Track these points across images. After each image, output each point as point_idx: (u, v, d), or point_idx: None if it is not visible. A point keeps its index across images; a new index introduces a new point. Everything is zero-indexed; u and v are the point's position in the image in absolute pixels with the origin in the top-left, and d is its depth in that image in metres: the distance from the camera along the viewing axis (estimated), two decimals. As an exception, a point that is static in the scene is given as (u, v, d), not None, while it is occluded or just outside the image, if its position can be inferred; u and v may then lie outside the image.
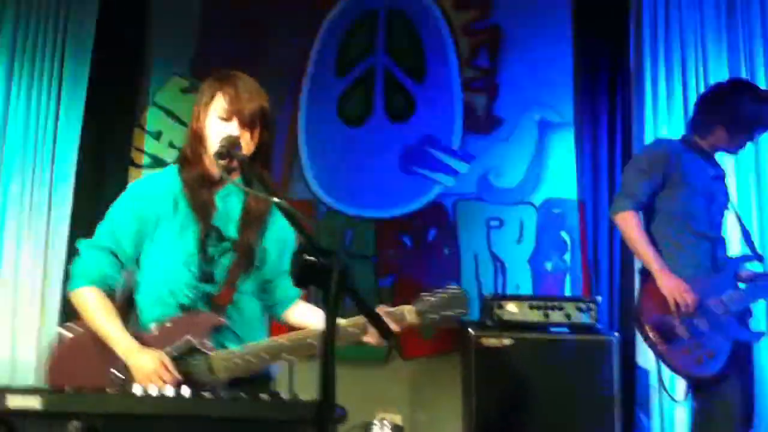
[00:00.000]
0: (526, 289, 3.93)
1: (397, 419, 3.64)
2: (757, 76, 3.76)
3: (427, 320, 1.92)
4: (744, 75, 3.77)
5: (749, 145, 3.11)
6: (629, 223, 2.90)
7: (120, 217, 1.97)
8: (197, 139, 1.95)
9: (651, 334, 2.78)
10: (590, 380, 3.25)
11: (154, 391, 1.42)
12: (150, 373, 1.79)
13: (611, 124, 3.88)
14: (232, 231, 1.96)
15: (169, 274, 1.93)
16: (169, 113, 4.22)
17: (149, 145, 4.19)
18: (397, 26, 4.23)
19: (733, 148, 3.03)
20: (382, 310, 1.88)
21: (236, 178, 1.93)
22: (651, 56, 3.87)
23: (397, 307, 1.93)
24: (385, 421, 3.49)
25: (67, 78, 4.08)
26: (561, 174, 4.02)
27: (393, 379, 3.85)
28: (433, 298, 1.93)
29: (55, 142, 4.02)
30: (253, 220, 1.95)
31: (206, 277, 1.92)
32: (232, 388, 1.76)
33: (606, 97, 3.92)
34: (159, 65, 4.24)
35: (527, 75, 4.08)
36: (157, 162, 4.17)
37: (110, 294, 1.94)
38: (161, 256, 1.94)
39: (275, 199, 1.54)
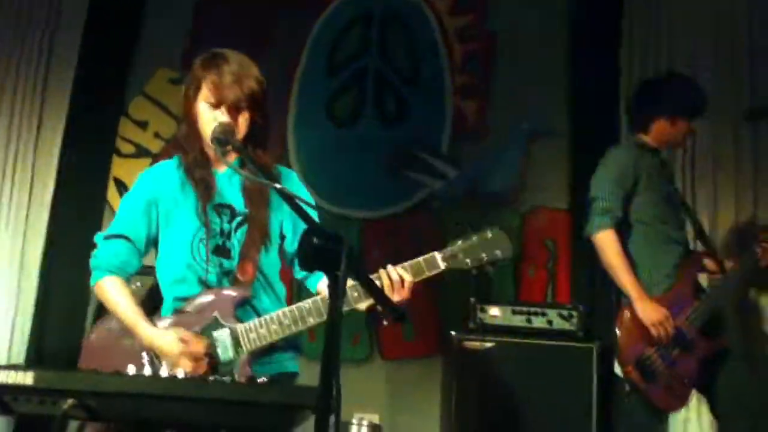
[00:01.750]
0: (509, 294, 3.95)
1: (375, 419, 3.63)
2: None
3: (464, 265, 1.89)
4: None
5: None
6: (610, 245, 2.79)
7: (129, 204, 2.04)
8: (191, 125, 1.98)
9: (633, 375, 2.74)
10: (569, 387, 3.27)
11: (147, 372, 1.40)
12: (177, 354, 1.82)
13: (603, 135, 3.92)
14: (242, 207, 2.00)
15: (185, 251, 1.96)
16: (157, 103, 4.18)
17: (135, 134, 4.15)
18: (390, 29, 4.25)
19: (679, 139, 2.99)
20: (399, 267, 1.88)
21: (234, 159, 1.94)
22: (643, 63, 3.91)
23: (416, 260, 1.89)
24: (363, 421, 3.48)
25: (54, 62, 4.03)
26: (548, 183, 4.05)
27: (373, 380, 3.84)
28: (465, 242, 1.89)
29: (39, 127, 3.96)
30: (255, 195, 1.97)
31: (222, 251, 1.96)
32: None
33: (598, 108, 3.95)
34: (148, 55, 4.21)
35: (519, 83, 4.10)
36: (143, 152, 4.13)
37: (129, 278, 2.02)
38: (178, 236, 1.99)
39: (276, 186, 1.54)
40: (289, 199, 1.46)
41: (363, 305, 1.86)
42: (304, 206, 1.46)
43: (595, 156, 3.89)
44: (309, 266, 1.23)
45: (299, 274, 2.04)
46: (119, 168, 4.11)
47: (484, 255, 1.89)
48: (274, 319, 1.85)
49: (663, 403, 2.75)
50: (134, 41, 4.18)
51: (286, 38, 4.18)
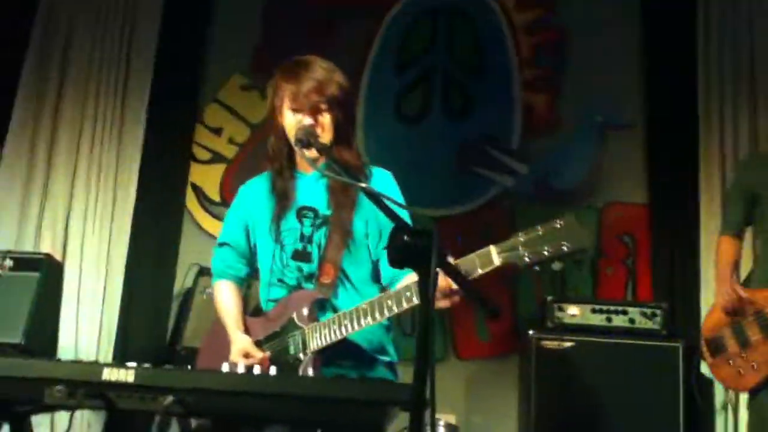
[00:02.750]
0: (586, 293, 3.85)
1: (452, 419, 3.60)
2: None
3: (521, 261, 1.61)
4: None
5: None
6: (719, 247, 3.01)
7: (230, 217, 2.21)
8: (278, 133, 2.03)
9: (704, 348, 2.91)
10: (654, 387, 3.18)
11: (240, 369, 1.43)
12: (237, 357, 1.90)
13: (680, 126, 3.79)
14: (325, 209, 2.02)
15: (269, 259, 2.04)
16: (230, 109, 4.28)
17: (210, 141, 4.26)
18: (457, 24, 4.22)
19: None
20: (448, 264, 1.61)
21: (321, 163, 1.95)
22: (720, 50, 3.77)
23: (468, 256, 1.67)
24: (439, 421, 3.46)
25: (132, 73, 4.17)
26: (624, 176, 3.94)
27: (448, 380, 3.81)
28: (526, 234, 1.63)
29: (120, 136, 4.11)
30: (341, 197, 1.98)
31: (302, 255, 2.00)
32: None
33: (675, 97, 3.82)
34: (220, 62, 4.32)
35: (590, 75, 4.01)
36: (218, 158, 4.24)
37: (240, 282, 2.18)
38: (264, 245, 2.08)
39: (361, 185, 1.53)
40: (374, 197, 1.45)
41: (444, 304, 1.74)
42: (394, 205, 1.44)
43: (672, 147, 3.81)
44: (398, 263, 1.22)
45: (385, 279, 2.02)
46: (196, 174, 4.22)
47: (546, 249, 1.60)
48: (335, 320, 1.85)
49: (724, 380, 2.90)
50: (205, 49, 4.29)
51: (354, 37, 4.20)
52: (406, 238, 1.20)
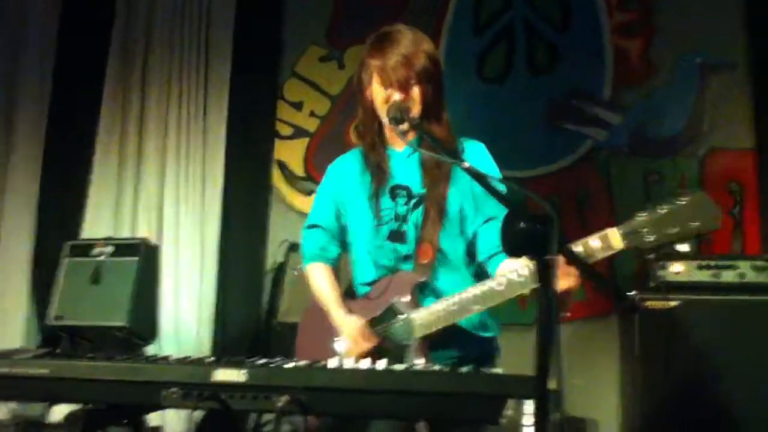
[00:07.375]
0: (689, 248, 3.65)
1: (551, 384, 3.52)
2: None
3: (645, 244, 1.54)
4: None
5: None
6: None
7: (319, 197, 2.15)
8: (366, 109, 1.99)
9: None
10: (768, 345, 2.99)
11: (348, 365, 1.41)
12: (351, 340, 1.88)
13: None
14: (419, 188, 1.96)
15: (364, 239, 2.00)
16: (309, 82, 4.25)
17: (292, 115, 4.24)
18: (537, -27, 4.01)
19: None
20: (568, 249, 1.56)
21: (413, 137, 1.90)
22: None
23: (587, 239, 1.58)
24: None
25: (211, 52, 4.20)
26: (728, 121, 3.68)
27: (546, 343, 3.72)
28: (651, 214, 1.53)
29: (205, 118, 4.17)
30: (435, 173, 1.92)
31: (397, 236, 1.95)
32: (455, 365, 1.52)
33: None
34: (296, 35, 4.27)
35: (686, 14, 3.73)
36: (301, 132, 4.23)
37: (333, 263, 2.11)
38: (358, 224, 2.03)
39: (465, 164, 1.45)
40: (479, 177, 1.37)
41: (527, 290, 1.70)
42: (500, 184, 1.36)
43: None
44: (515, 252, 1.15)
45: (481, 255, 1.94)
46: (280, 150, 4.23)
47: (674, 229, 1.51)
48: (441, 306, 1.80)
49: None
50: (282, 23, 4.24)
51: (429, 1, 4.06)
52: (522, 224, 1.12)
